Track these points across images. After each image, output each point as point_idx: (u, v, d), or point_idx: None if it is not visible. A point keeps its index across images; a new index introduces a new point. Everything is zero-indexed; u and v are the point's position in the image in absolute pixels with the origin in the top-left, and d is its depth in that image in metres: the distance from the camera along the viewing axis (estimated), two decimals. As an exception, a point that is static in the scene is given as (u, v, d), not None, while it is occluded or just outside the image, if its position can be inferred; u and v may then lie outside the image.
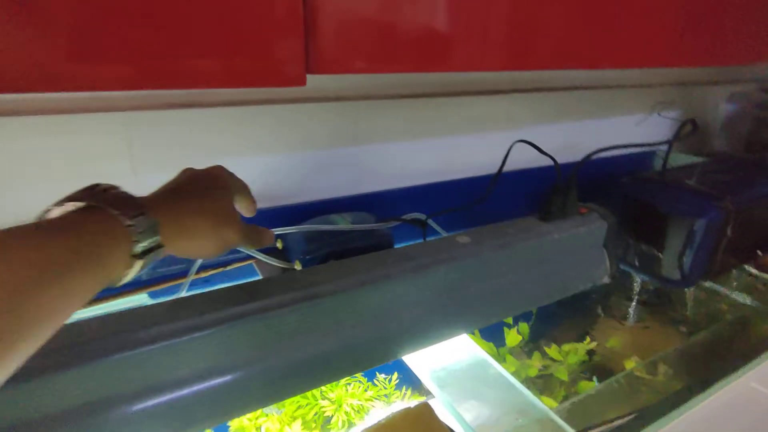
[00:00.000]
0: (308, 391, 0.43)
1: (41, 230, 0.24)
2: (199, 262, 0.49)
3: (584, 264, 0.58)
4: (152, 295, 0.50)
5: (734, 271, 0.67)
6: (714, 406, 0.30)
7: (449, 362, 0.50)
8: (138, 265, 0.28)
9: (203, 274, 0.52)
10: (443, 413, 0.43)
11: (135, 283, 0.50)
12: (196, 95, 0.50)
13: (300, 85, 0.27)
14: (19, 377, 0.23)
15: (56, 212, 0.26)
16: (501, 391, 0.44)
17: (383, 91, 0.63)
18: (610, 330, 0.73)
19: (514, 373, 0.66)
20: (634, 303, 0.66)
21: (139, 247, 0.27)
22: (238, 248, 0.40)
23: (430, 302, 0.46)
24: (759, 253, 0.65)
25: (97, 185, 0.28)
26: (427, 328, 0.46)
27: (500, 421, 0.40)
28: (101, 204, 0.26)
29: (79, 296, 0.24)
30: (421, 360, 0.51)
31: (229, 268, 0.52)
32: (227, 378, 0.38)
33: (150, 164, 0.49)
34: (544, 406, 0.40)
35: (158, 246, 0.29)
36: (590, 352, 0.71)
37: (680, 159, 0.90)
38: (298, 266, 0.48)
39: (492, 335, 0.70)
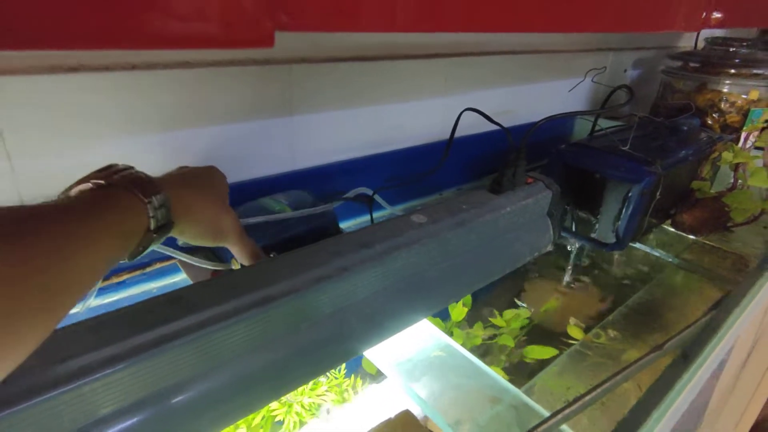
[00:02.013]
0: (262, 408, 0.38)
1: (67, 205, 0.25)
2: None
3: (532, 234, 0.58)
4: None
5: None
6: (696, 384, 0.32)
7: (408, 347, 0.48)
8: (154, 240, 0.30)
9: (115, 279, 0.42)
10: (413, 409, 0.40)
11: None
12: (83, 56, 0.39)
13: (267, 47, 0.20)
14: None
15: (77, 190, 0.28)
16: (470, 377, 0.42)
17: (317, 53, 0.55)
18: (544, 293, 0.76)
19: (462, 345, 0.66)
20: (570, 266, 0.68)
21: (155, 222, 0.29)
22: (229, 247, 0.38)
23: (390, 290, 0.42)
24: (679, 212, 0.70)
25: (113, 165, 0.30)
26: (390, 318, 0.42)
27: (472, 408, 0.39)
28: (121, 182, 0.28)
29: (103, 265, 0.25)
30: (382, 350, 0.47)
31: (149, 269, 0.43)
32: (162, 408, 0.31)
33: (24, 148, 0.38)
34: (515, 388, 0.39)
35: (170, 222, 0.31)
36: (529, 317, 0.72)
37: (600, 123, 0.94)
38: (236, 266, 0.41)
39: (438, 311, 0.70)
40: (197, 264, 0.41)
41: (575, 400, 0.35)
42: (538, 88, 0.88)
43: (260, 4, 0.20)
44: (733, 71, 0.84)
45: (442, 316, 0.72)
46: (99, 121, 0.42)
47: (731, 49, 0.88)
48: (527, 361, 0.66)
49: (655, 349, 0.39)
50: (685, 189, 0.71)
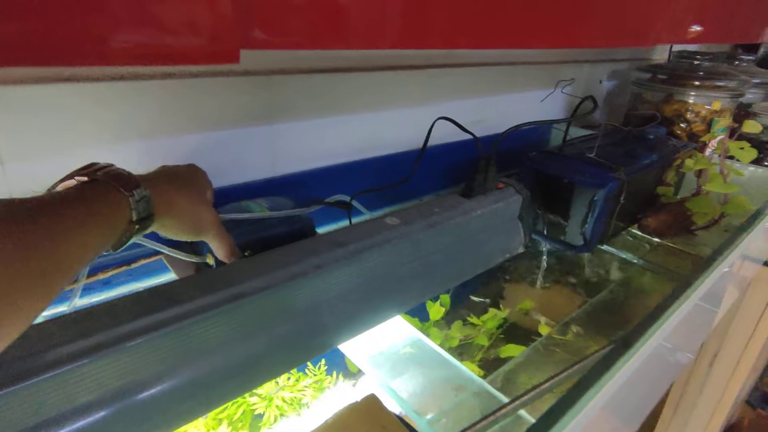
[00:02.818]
0: (240, 396, 0.40)
1: (55, 197, 0.27)
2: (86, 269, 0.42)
3: (503, 236, 0.61)
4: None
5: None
6: (634, 366, 0.35)
7: (383, 343, 0.50)
8: (136, 232, 0.33)
9: (101, 276, 0.45)
10: (383, 397, 0.42)
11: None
12: (76, 68, 0.42)
13: (233, 63, 0.23)
14: None
15: (63, 186, 0.31)
16: (437, 368, 0.45)
17: (296, 65, 0.58)
18: (520, 294, 0.78)
19: (439, 345, 0.68)
20: (542, 268, 0.71)
21: (136, 214, 0.32)
22: (208, 242, 0.40)
23: (364, 288, 0.45)
24: (645, 216, 0.73)
25: (95, 164, 0.32)
26: (363, 313, 0.45)
27: (438, 396, 0.41)
28: (104, 178, 0.31)
29: (90, 252, 0.28)
30: (354, 343, 0.50)
31: (134, 265, 0.45)
32: (145, 395, 0.34)
33: (18, 153, 0.41)
34: (479, 378, 0.42)
35: (151, 215, 0.33)
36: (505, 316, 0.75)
37: (574, 131, 0.98)
38: (210, 260, 0.44)
39: (417, 310, 0.72)
40: (180, 257, 0.44)
41: (532, 389, 0.38)
42: (513, 98, 0.92)
43: (228, 24, 0.22)
44: (697, 83, 0.89)
45: (422, 317, 0.75)
46: (88, 128, 0.44)
47: (696, 62, 0.92)
48: (503, 358, 0.68)
49: (611, 343, 0.42)
50: (651, 194, 0.75)
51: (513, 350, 0.67)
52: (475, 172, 0.58)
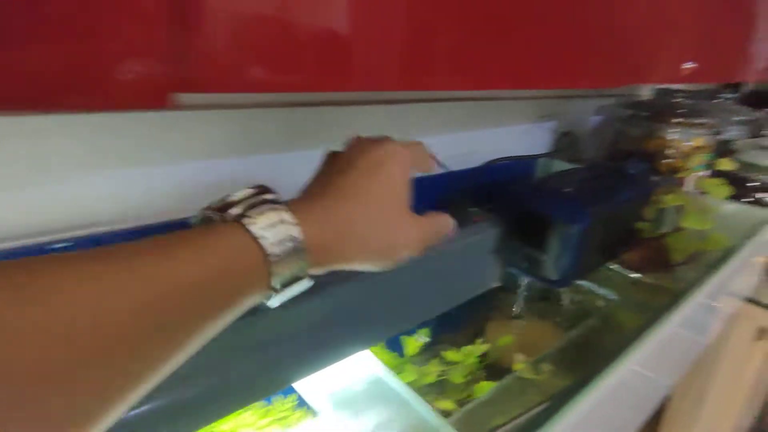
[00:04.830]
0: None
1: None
2: None
3: (478, 270, 0.61)
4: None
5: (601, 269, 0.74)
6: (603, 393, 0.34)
7: (345, 380, 0.49)
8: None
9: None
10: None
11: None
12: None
13: (161, 107, 0.23)
14: None
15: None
16: (396, 408, 0.44)
17: (268, 99, 0.59)
18: (503, 329, 0.77)
19: (414, 382, 0.67)
20: (520, 303, 0.70)
21: (280, 280, 0.24)
22: None
23: (328, 323, 0.44)
24: (625, 251, 0.73)
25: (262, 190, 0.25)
26: (326, 349, 0.44)
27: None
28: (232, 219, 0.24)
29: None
30: (314, 380, 0.48)
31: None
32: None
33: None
34: (438, 420, 0.41)
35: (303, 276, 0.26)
36: (484, 353, 0.74)
37: (559, 165, 0.98)
38: None
39: (396, 345, 0.71)
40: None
41: (495, 428, 0.37)
42: (495, 133, 0.92)
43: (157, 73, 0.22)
44: (677, 120, 0.90)
45: (401, 352, 0.73)
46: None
47: (677, 100, 0.94)
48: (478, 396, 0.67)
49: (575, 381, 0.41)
50: (631, 229, 0.75)
51: (488, 387, 0.65)
52: (450, 205, 0.58)
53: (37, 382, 0.16)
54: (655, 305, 0.64)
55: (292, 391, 0.62)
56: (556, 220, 0.64)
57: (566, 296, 0.74)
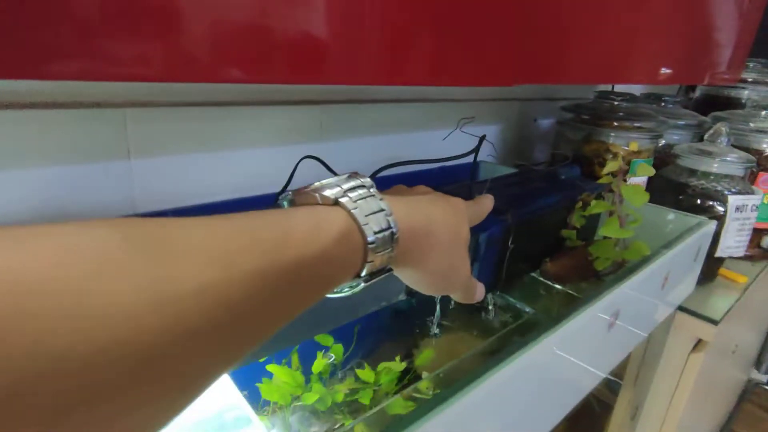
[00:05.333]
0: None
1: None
2: None
3: (379, 282, 0.57)
4: None
5: (525, 279, 0.71)
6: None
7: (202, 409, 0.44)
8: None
9: None
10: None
11: None
12: None
13: None
14: None
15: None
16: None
17: (158, 98, 0.54)
18: (426, 345, 0.73)
19: (318, 401, 0.62)
20: (436, 317, 0.67)
21: (369, 269, 0.25)
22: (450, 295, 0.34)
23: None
24: (546, 260, 0.69)
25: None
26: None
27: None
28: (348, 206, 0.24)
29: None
30: None
31: None
32: None
33: None
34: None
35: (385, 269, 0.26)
36: (406, 371, 0.69)
37: (498, 170, 0.95)
38: None
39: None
40: None
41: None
42: (416, 137, 0.88)
43: None
44: (616, 123, 0.88)
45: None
46: None
47: (615, 103, 0.91)
48: (391, 414, 0.62)
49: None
50: (557, 238, 0.71)
51: (398, 406, 0.61)
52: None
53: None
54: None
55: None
56: (463, 229, 0.60)
57: (492, 308, 0.71)
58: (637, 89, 1.37)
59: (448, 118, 0.91)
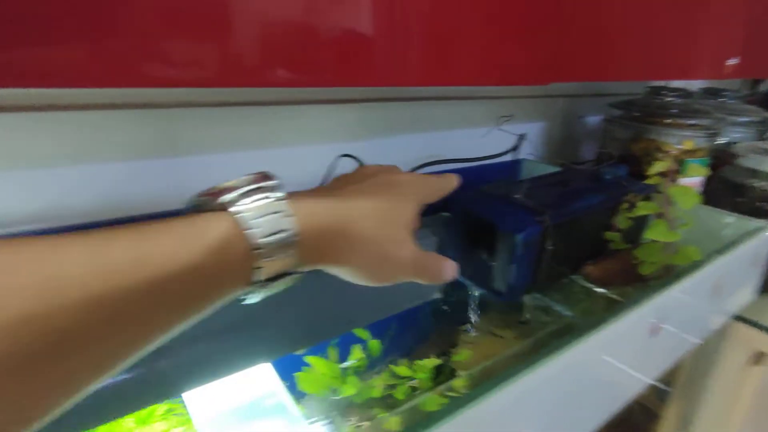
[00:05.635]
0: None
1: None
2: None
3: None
4: None
5: (566, 281, 0.69)
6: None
7: (239, 396, 0.46)
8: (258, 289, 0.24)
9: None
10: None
11: None
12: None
13: None
14: None
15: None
16: (282, 426, 0.41)
17: (204, 98, 0.57)
18: (467, 343, 0.73)
19: (355, 395, 0.63)
20: (474, 314, 0.66)
21: (259, 275, 0.24)
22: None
23: (220, 332, 0.42)
24: (589, 263, 0.67)
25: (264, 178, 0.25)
26: (215, 362, 0.42)
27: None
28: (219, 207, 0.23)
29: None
30: (203, 392, 0.46)
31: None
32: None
33: None
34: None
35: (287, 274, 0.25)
36: (445, 369, 0.70)
37: (540, 168, 0.93)
38: None
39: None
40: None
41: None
42: (455, 135, 0.87)
43: None
44: (667, 121, 0.83)
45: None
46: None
47: (668, 99, 0.87)
48: (426, 411, 0.63)
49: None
50: (600, 240, 0.69)
51: (431, 404, 0.61)
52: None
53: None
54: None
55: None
56: (500, 229, 0.59)
57: (527, 311, 0.70)
58: (694, 83, 1.29)
59: (487, 115, 0.89)
